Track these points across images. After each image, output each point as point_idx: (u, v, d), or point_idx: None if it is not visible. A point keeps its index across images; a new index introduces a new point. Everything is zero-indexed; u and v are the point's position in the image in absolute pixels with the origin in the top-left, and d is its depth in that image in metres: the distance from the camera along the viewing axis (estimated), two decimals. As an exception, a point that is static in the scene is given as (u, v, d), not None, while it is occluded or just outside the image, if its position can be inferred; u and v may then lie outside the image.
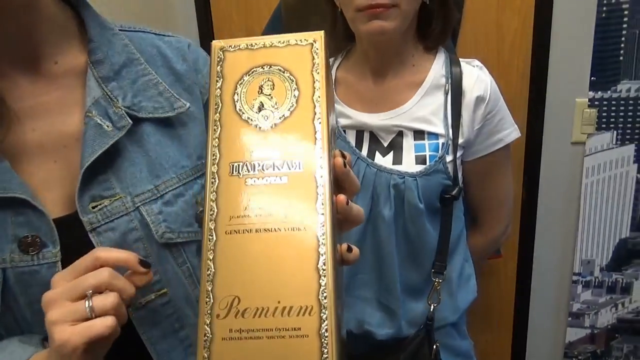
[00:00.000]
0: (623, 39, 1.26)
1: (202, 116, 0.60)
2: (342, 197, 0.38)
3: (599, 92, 1.31)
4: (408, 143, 0.83)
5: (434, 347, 0.85)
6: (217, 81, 0.39)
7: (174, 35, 0.62)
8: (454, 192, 0.82)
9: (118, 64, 0.54)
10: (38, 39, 0.51)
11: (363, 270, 0.88)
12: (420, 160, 0.82)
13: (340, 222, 0.40)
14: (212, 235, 0.36)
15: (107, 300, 0.42)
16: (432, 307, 0.86)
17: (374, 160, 0.84)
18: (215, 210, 0.37)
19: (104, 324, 0.40)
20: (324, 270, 0.35)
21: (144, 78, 0.55)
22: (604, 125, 1.33)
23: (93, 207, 0.51)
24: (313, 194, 0.37)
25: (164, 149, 0.55)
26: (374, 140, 0.86)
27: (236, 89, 0.39)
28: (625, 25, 1.25)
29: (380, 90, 0.87)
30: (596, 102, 1.31)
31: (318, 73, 0.39)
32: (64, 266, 0.49)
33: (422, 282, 0.87)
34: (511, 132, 0.88)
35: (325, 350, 0.34)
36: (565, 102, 1.34)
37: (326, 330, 0.34)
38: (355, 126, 0.87)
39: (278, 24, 1.37)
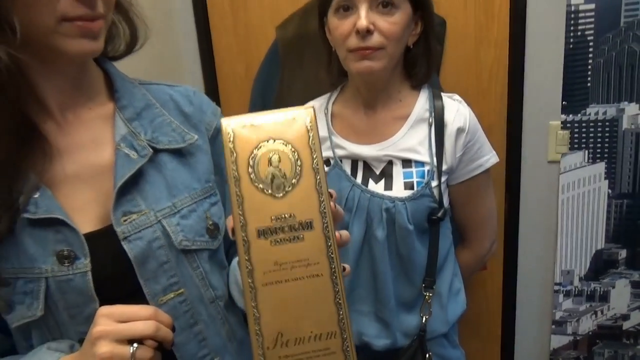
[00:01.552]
0: (590, 67, 1.36)
1: (207, 147, 0.71)
2: (337, 237, 0.48)
3: (570, 115, 1.39)
4: (397, 171, 0.93)
5: (427, 356, 0.93)
6: (231, 156, 0.47)
7: (182, 85, 0.74)
8: (439, 214, 0.91)
9: (139, 107, 0.66)
10: (80, 92, 0.62)
11: (360, 286, 0.96)
12: (409, 186, 0.91)
13: None
14: (252, 288, 0.46)
15: (148, 353, 0.52)
16: (424, 319, 0.94)
17: (367, 186, 0.94)
18: (251, 267, 0.46)
19: None
20: (339, 303, 0.47)
21: (159, 118, 0.67)
22: (576, 145, 1.42)
23: (124, 220, 0.61)
24: (324, 247, 0.47)
25: (179, 174, 0.66)
26: (367, 168, 0.95)
27: (249, 163, 0.47)
28: (591, 55, 1.35)
29: (371, 122, 0.97)
30: (568, 124, 1.40)
31: (314, 144, 0.47)
32: (93, 275, 0.59)
33: (414, 296, 0.96)
34: (490, 158, 0.98)
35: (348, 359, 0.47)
36: (540, 124, 1.42)
37: (347, 347, 0.47)
38: (350, 156, 0.97)
39: (275, 57, 1.47)
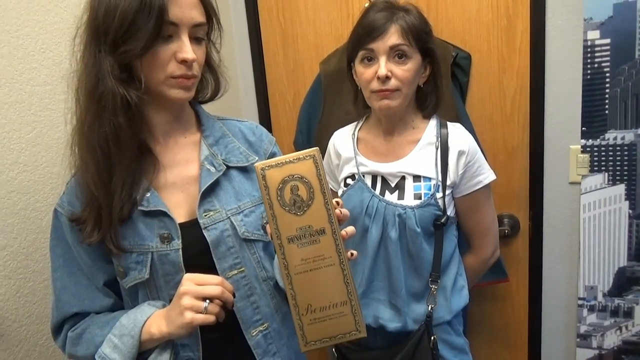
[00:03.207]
0: (607, 96, 1.42)
1: None
2: (343, 234, 0.70)
3: (590, 140, 1.46)
4: (409, 184, 1.11)
5: (432, 338, 1.10)
6: (264, 189, 0.68)
7: (248, 121, 0.98)
8: (443, 220, 1.09)
9: (218, 137, 0.90)
10: (178, 125, 0.88)
11: (377, 278, 1.14)
12: (417, 196, 1.10)
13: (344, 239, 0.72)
14: (288, 276, 0.69)
15: (216, 309, 0.75)
16: (430, 307, 1.11)
17: (384, 196, 1.13)
18: (286, 263, 0.69)
19: (209, 319, 0.74)
20: (347, 282, 0.69)
21: (231, 144, 0.91)
22: (596, 168, 1.47)
23: (205, 215, 0.84)
24: (334, 245, 0.68)
25: (243, 184, 0.89)
26: (385, 182, 1.15)
27: (278, 194, 0.68)
28: (607, 85, 1.42)
29: (389, 145, 1.17)
30: (588, 148, 1.46)
31: (320, 174, 0.68)
32: (183, 252, 0.82)
33: (422, 288, 1.13)
34: (488, 175, 1.14)
35: (357, 319, 0.69)
36: (561, 148, 1.51)
37: (355, 310, 0.69)
38: (371, 172, 1.17)
39: (319, 88, 1.67)
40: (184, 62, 0.77)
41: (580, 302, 1.58)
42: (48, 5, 1.04)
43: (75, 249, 0.83)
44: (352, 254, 0.71)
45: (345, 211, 0.72)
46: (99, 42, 0.76)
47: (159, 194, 0.83)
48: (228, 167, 0.88)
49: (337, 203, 0.70)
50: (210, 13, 0.82)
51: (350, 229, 0.72)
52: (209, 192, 0.85)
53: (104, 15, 0.75)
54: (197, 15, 0.78)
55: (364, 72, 1.10)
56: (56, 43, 1.05)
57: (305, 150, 0.68)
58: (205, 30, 0.82)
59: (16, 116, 0.97)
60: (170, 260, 0.81)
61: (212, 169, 0.86)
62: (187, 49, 0.76)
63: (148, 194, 0.82)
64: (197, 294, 0.73)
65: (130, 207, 0.80)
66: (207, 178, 0.85)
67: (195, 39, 0.79)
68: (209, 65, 0.89)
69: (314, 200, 0.67)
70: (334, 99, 1.63)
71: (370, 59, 1.08)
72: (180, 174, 0.86)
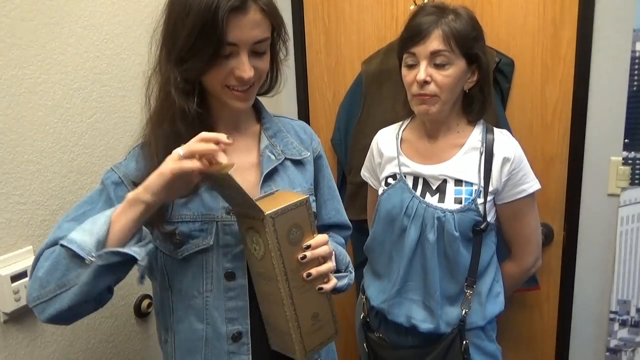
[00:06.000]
0: None
1: (312, 163, 1.00)
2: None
3: (632, 153, 1.43)
4: (450, 188, 1.12)
5: (464, 342, 1.11)
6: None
7: (299, 120, 1.04)
8: (482, 226, 1.09)
9: (275, 130, 0.96)
10: (239, 122, 0.94)
11: (413, 278, 1.16)
12: (458, 201, 1.10)
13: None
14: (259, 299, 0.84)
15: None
16: (464, 311, 1.12)
17: (424, 198, 1.14)
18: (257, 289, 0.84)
19: (184, 166, 0.70)
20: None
21: (286, 139, 0.97)
22: (637, 181, 1.44)
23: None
24: (278, 291, 0.79)
25: (296, 175, 0.95)
26: (426, 184, 1.16)
27: (246, 236, 0.80)
28: None
29: (432, 148, 1.18)
30: (629, 161, 1.44)
31: (273, 239, 0.75)
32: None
33: (457, 292, 1.13)
34: (532, 185, 1.14)
35: (297, 348, 0.80)
36: (602, 159, 1.48)
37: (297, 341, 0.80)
38: (412, 173, 1.18)
39: (360, 87, 1.69)
40: (240, 78, 0.80)
41: (612, 315, 1.55)
42: (112, -2, 1.09)
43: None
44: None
45: (315, 252, 0.79)
46: (169, 51, 0.81)
47: None
48: (284, 159, 0.93)
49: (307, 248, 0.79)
50: (275, 26, 0.84)
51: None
52: (268, 177, 0.91)
53: (173, 25, 0.79)
54: (258, 33, 0.80)
55: (406, 75, 1.12)
56: (117, 34, 1.10)
57: (299, 199, 0.78)
58: (268, 44, 0.84)
59: (79, 101, 1.02)
60: (233, 231, 0.85)
61: (272, 157, 0.92)
62: (245, 68, 0.80)
63: None
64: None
65: (197, 183, 0.83)
66: (268, 164, 0.91)
67: (256, 53, 0.83)
68: (274, 62, 0.92)
69: (265, 255, 0.77)
70: (373, 99, 1.65)
71: (413, 62, 1.10)
72: (239, 160, 0.90)
